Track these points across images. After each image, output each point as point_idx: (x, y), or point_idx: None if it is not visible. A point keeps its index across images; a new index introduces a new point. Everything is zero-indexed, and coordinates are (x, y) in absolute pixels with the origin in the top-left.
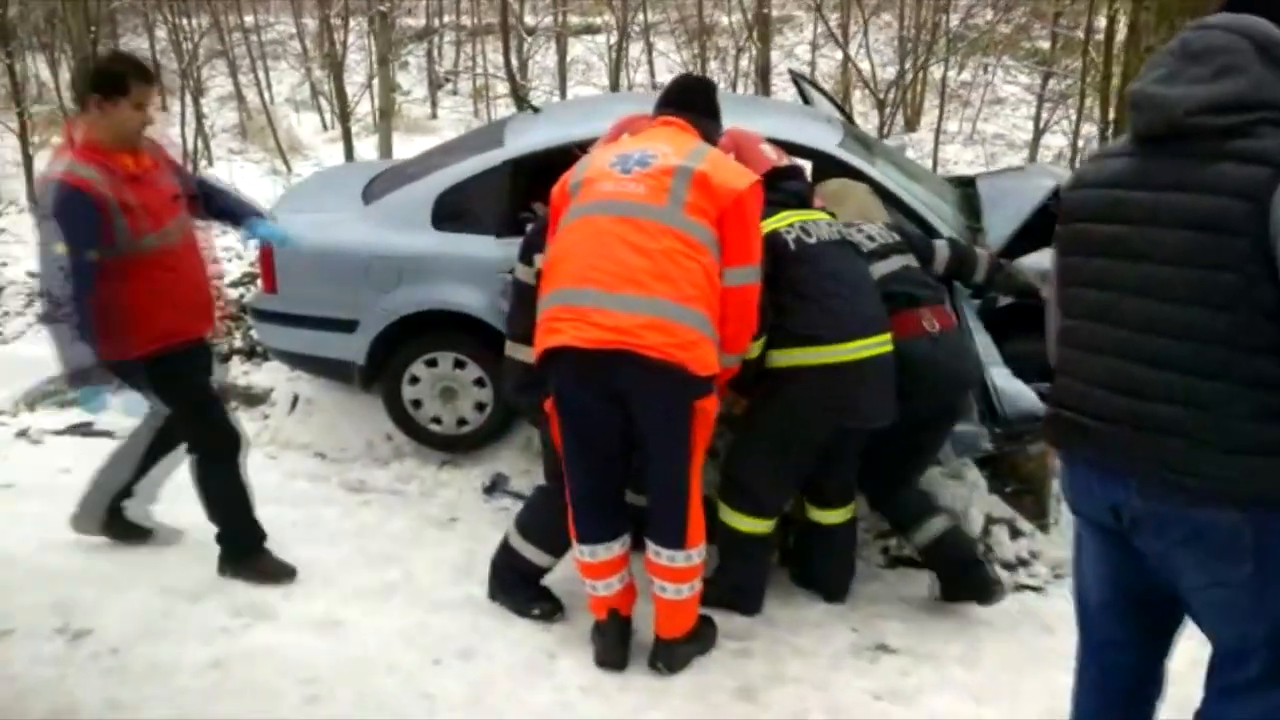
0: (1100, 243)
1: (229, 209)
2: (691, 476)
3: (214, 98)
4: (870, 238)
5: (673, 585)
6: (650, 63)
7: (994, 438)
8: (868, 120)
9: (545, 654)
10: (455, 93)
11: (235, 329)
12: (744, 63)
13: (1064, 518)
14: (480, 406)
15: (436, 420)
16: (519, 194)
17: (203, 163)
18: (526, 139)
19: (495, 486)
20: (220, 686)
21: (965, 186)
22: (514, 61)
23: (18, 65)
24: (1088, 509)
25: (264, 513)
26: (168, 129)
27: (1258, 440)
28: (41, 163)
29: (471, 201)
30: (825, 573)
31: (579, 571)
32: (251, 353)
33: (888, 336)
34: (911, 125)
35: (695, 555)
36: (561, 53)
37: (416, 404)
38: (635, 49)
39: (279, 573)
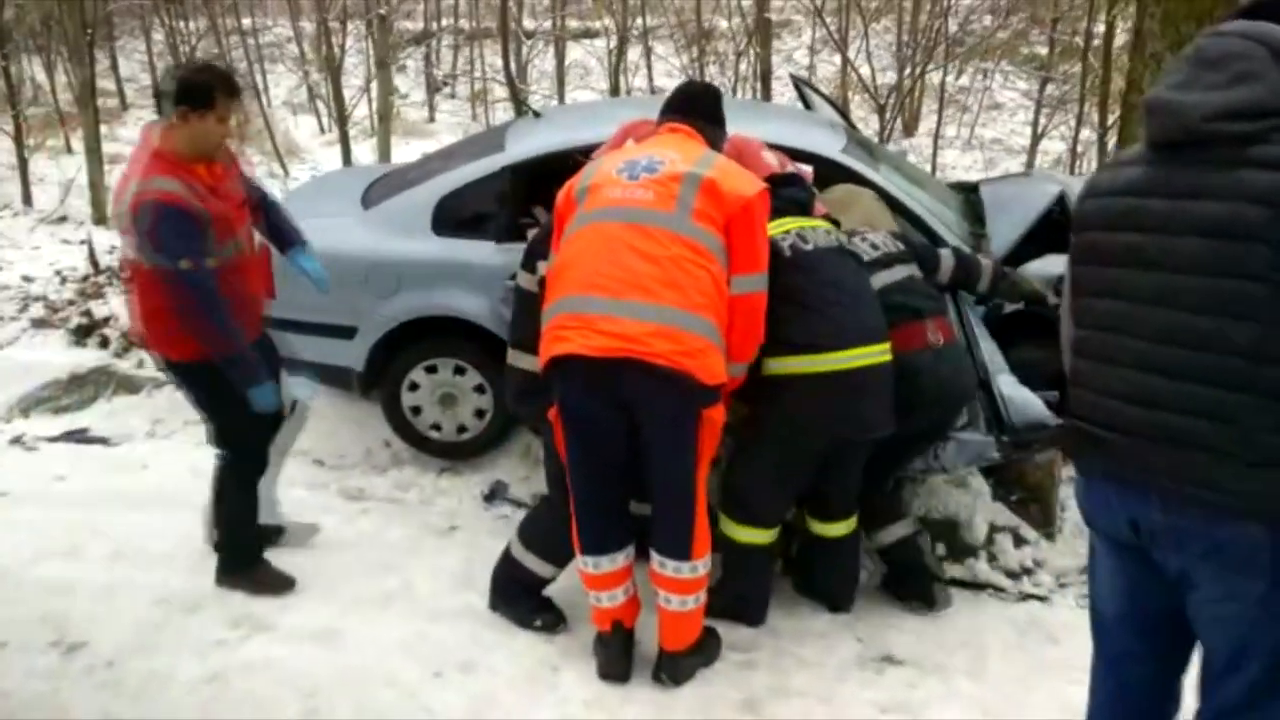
0: (1115, 252)
1: (280, 229)
2: (697, 486)
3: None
4: (874, 246)
5: (678, 597)
6: (649, 67)
7: (1001, 446)
8: (867, 125)
9: (548, 666)
10: (453, 96)
11: None
12: (743, 67)
13: (1069, 526)
14: (480, 413)
15: (436, 427)
16: (520, 199)
17: None
18: (527, 144)
19: (495, 494)
20: (217, 700)
21: (968, 192)
22: (513, 65)
23: (13, 67)
24: (1105, 522)
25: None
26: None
27: None
28: (37, 165)
29: (472, 207)
30: (828, 585)
31: (583, 583)
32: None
33: (887, 346)
34: (909, 130)
35: (700, 566)
36: (560, 56)
37: (416, 411)
38: (634, 53)
39: (277, 583)
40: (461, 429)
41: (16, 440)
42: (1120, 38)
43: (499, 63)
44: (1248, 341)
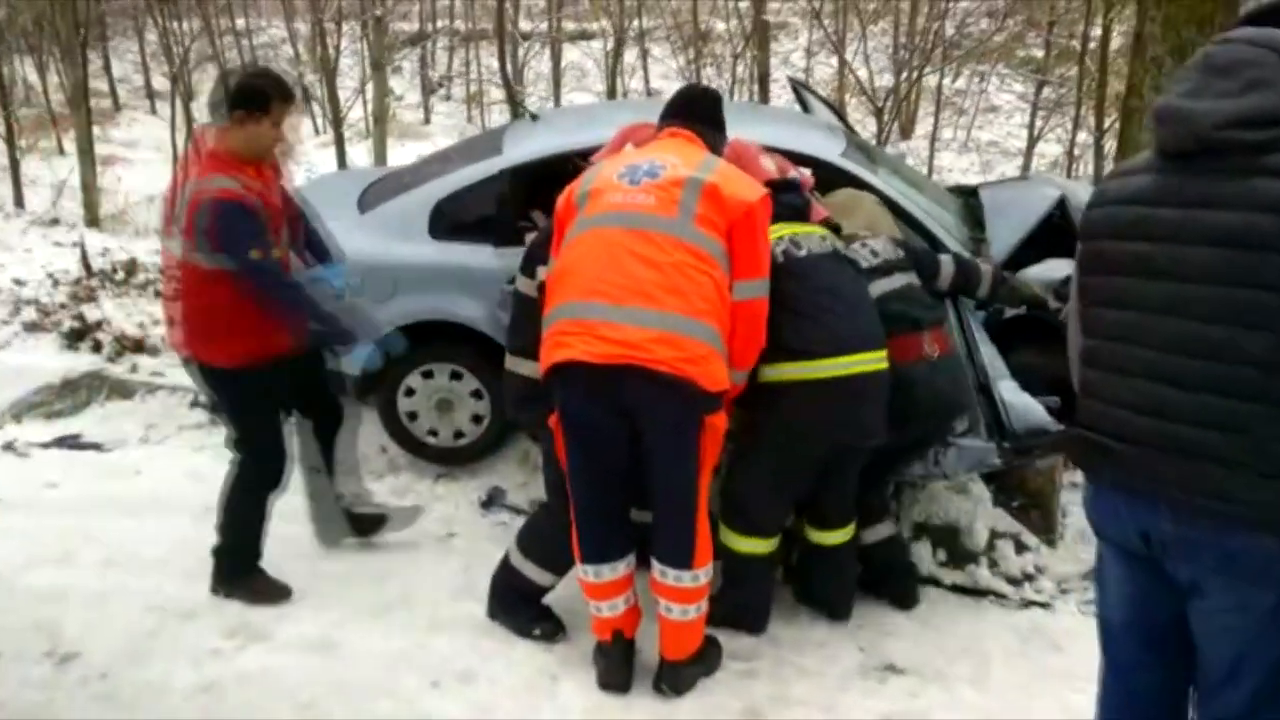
0: (1125, 261)
1: (317, 242)
2: (699, 494)
3: (204, 102)
4: (874, 253)
5: (679, 606)
6: (645, 69)
7: (1002, 452)
8: (864, 128)
9: (547, 676)
10: (449, 98)
11: None
12: (739, 69)
13: (1070, 532)
14: (477, 419)
15: (433, 433)
16: (518, 203)
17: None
18: (525, 147)
19: (492, 500)
20: (213, 710)
21: (967, 196)
22: (509, 68)
23: (5, 68)
24: (1114, 532)
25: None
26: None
27: None
28: (29, 167)
29: (469, 210)
30: (826, 593)
31: (583, 592)
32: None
33: (884, 354)
34: (906, 133)
35: (702, 575)
36: (556, 58)
37: (412, 416)
38: (630, 55)
39: (274, 593)
40: (458, 434)
41: (8, 446)
42: (1116, 41)
43: (495, 64)
44: (1261, 351)
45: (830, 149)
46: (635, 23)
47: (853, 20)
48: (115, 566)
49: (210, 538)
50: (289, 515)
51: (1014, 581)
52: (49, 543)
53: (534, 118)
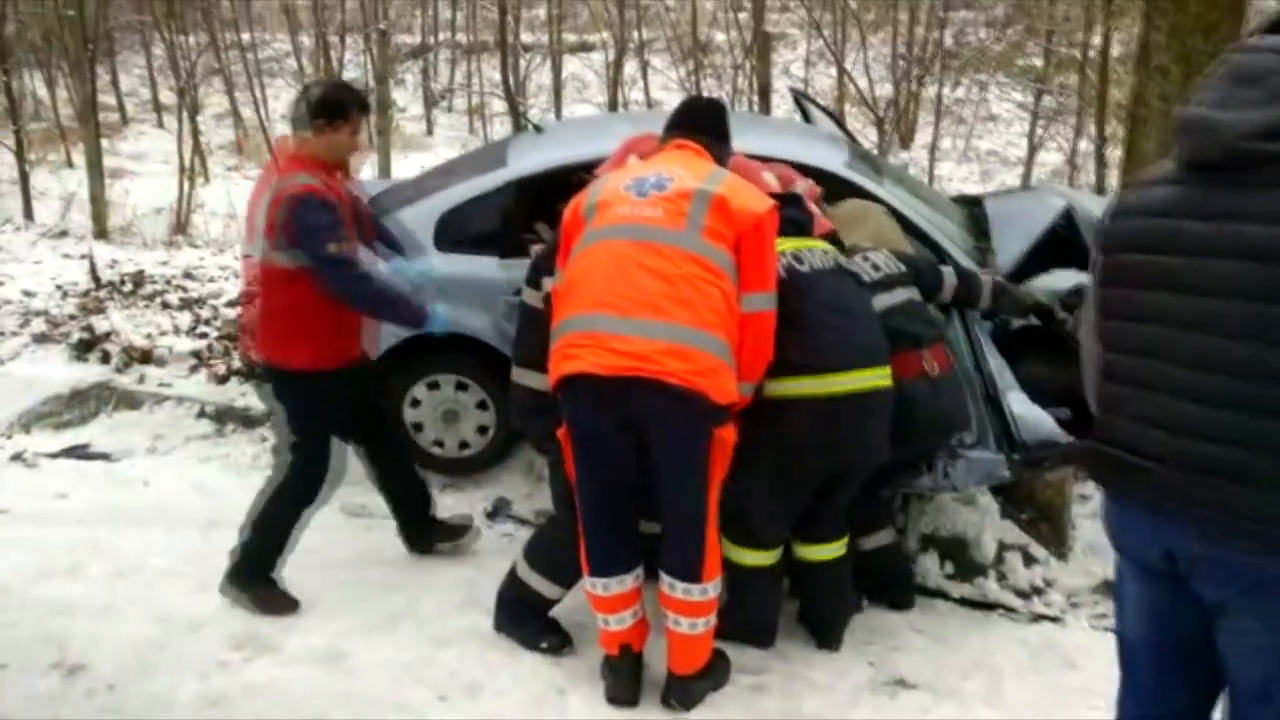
0: (1149, 275)
1: (390, 238)
2: (708, 507)
3: (210, 115)
4: (875, 267)
5: (688, 619)
6: (645, 80)
7: (1012, 465)
8: (865, 138)
9: (554, 690)
10: (451, 110)
11: (233, 350)
12: (739, 80)
13: (1080, 545)
14: (482, 430)
15: (438, 443)
16: (523, 215)
17: (200, 180)
18: (530, 159)
19: (498, 511)
20: None
21: (972, 206)
22: (511, 79)
23: (14, 82)
24: (1136, 550)
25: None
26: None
27: None
28: (38, 179)
29: (474, 222)
30: (816, 615)
31: (591, 605)
32: (250, 374)
33: (888, 370)
34: (905, 142)
35: (711, 589)
36: (557, 70)
37: (418, 427)
38: (630, 66)
39: (281, 604)
40: (464, 445)
41: (17, 457)
42: (1116, 49)
43: (496, 76)
44: None
45: (834, 160)
46: (635, 34)
47: (851, 31)
48: (123, 578)
49: (217, 548)
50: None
51: (1023, 595)
52: (58, 554)
53: (538, 130)
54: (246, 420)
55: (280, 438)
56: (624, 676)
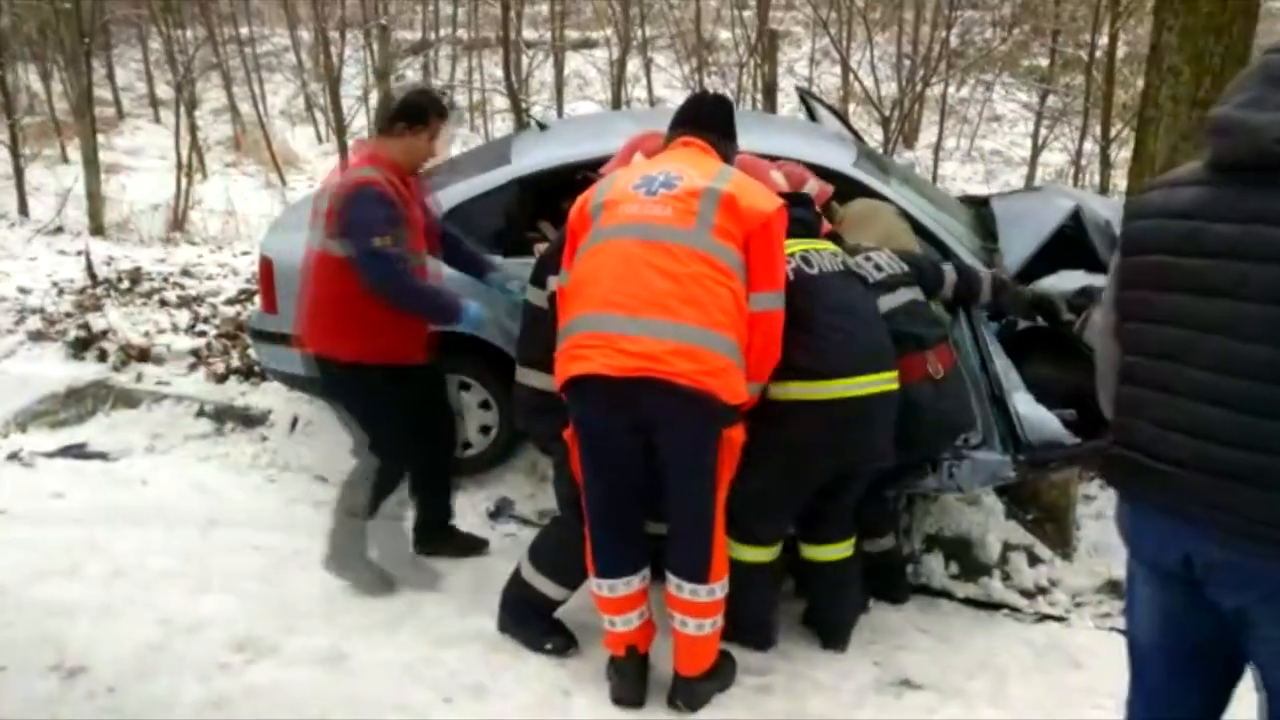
0: (1175, 276)
1: (471, 256)
2: (716, 507)
3: (208, 110)
4: (878, 267)
5: (694, 620)
6: (649, 78)
7: (1017, 466)
8: (870, 138)
9: (560, 691)
10: (452, 106)
11: (232, 348)
12: (744, 79)
13: (1084, 545)
14: (485, 429)
15: None
16: (526, 213)
17: (197, 176)
18: (534, 157)
19: (500, 511)
20: None
21: (979, 206)
22: (514, 76)
23: (9, 76)
24: (1153, 555)
25: (267, 539)
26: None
27: None
28: (33, 175)
29: (478, 220)
30: (822, 616)
31: (597, 606)
32: (249, 373)
33: (894, 374)
34: (909, 142)
35: (718, 589)
36: (559, 67)
37: None
38: (633, 64)
39: (377, 583)
40: (466, 445)
41: (13, 456)
42: (1122, 50)
43: (498, 73)
44: None
45: (842, 159)
46: (638, 31)
47: (856, 30)
48: (121, 578)
49: (216, 548)
50: (293, 525)
51: (1027, 594)
52: (55, 555)
53: (542, 127)
54: (246, 419)
55: (355, 440)
56: (630, 678)
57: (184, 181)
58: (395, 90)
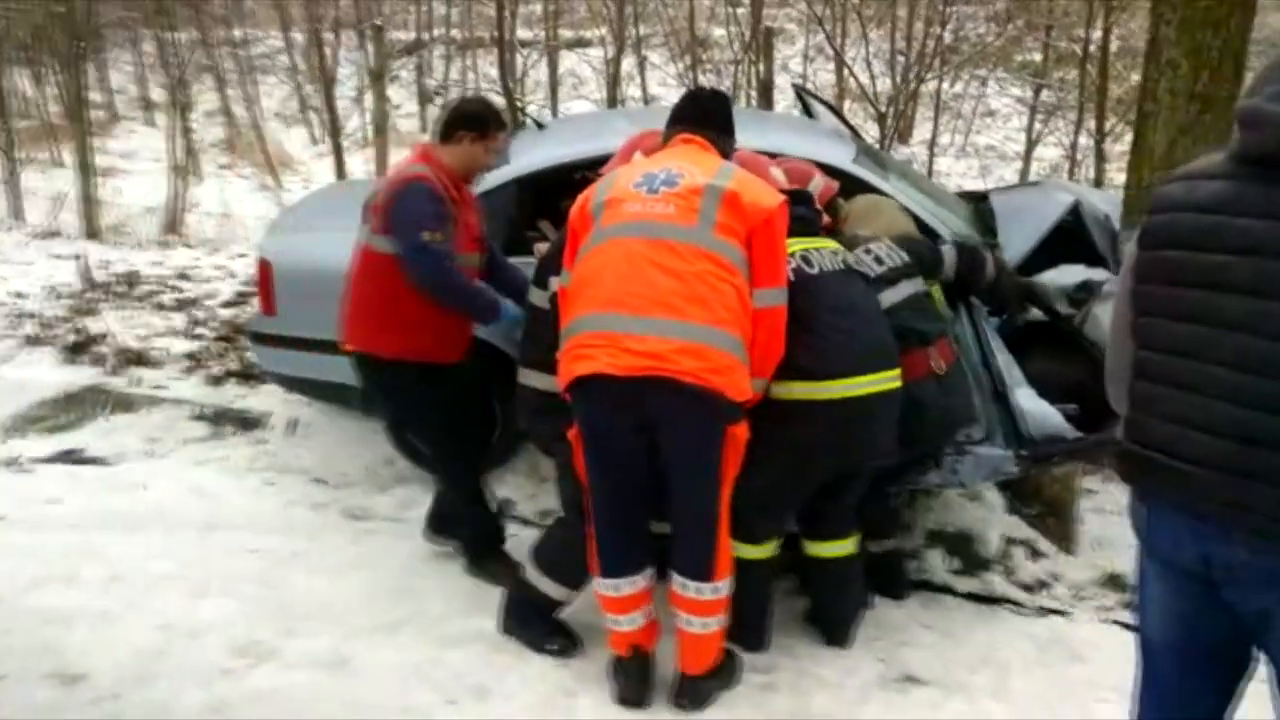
0: (1197, 272)
1: (510, 278)
2: (720, 506)
3: (201, 113)
4: (878, 260)
5: (699, 619)
6: (643, 76)
7: (1020, 461)
8: (866, 134)
9: (563, 692)
10: (445, 106)
11: (230, 351)
12: (739, 75)
13: (1085, 539)
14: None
15: None
16: (526, 213)
17: (192, 179)
18: (533, 156)
19: (501, 512)
20: None
21: (978, 201)
22: (509, 76)
23: (3, 79)
24: (1169, 554)
25: (266, 542)
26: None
27: None
28: (27, 179)
29: None
30: (825, 613)
31: (601, 606)
32: (247, 376)
33: (897, 372)
34: (903, 138)
35: (723, 587)
36: (553, 66)
37: None
38: (627, 62)
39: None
40: None
41: (10, 462)
42: (1115, 44)
43: (493, 72)
44: None
45: (841, 155)
46: (632, 30)
47: (851, 26)
48: (120, 583)
49: (216, 552)
50: (292, 528)
51: (1029, 589)
52: (53, 561)
53: (540, 126)
54: (244, 422)
55: (421, 444)
56: (634, 677)
57: (180, 184)
58: (452, 100)
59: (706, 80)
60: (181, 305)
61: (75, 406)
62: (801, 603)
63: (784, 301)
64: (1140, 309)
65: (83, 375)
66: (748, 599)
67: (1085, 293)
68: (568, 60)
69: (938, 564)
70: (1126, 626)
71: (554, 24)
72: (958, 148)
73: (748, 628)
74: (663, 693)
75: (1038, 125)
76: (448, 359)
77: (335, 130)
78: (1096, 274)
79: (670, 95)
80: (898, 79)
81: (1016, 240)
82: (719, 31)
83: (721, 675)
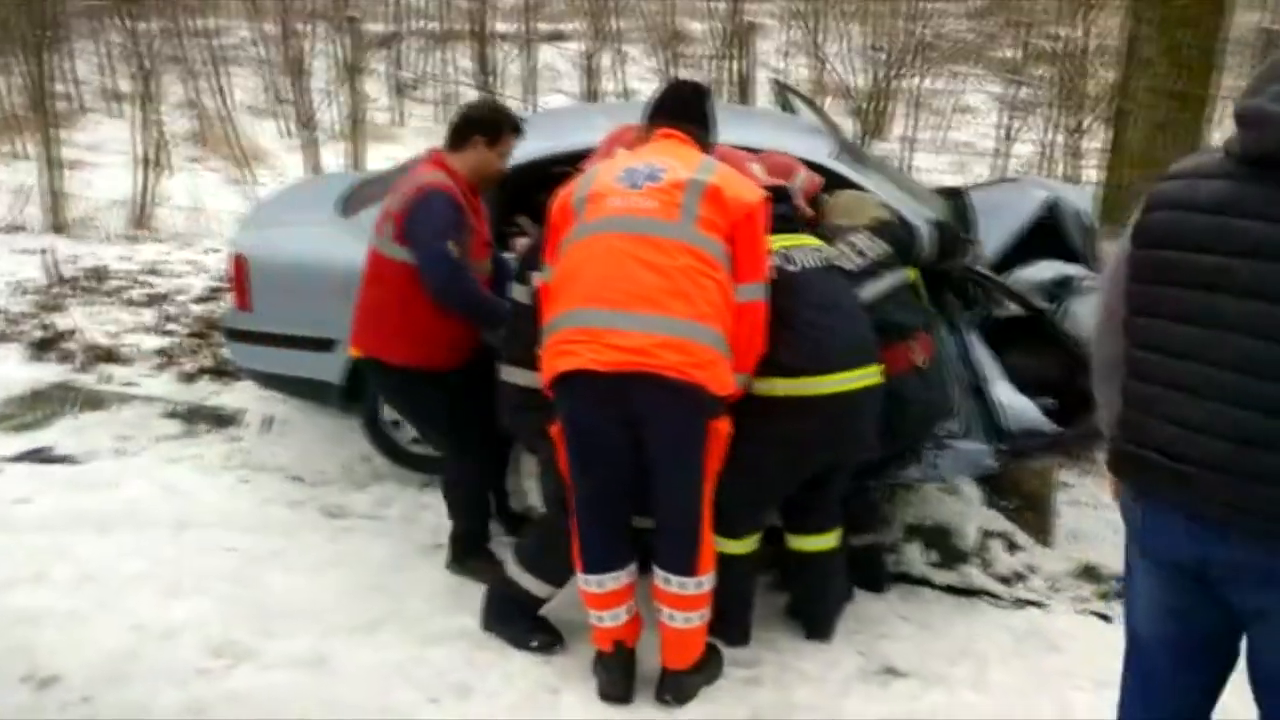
0: (1195, 273)
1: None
2: (704, 500)
3: (169, 104)
4: (860, 252)
5: (682, 613)
6: (621, 70)
7: (999, 454)
8: (845, 129)
9: (547, 689)
10: (420, 99)
11: (202, 347)
12: (716, 70)
13: (1062, 532)
14: None
15: (417, 441)
16: (504, 207)
17: (162, 172)
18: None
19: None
20: None
21: (955, 198)
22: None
23: None
24: (1167, 553)
25: (241, 541)
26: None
27: None
28: None
29: None
30: (807, 606)
31: (584, 602)
32: (220, 372)
33: (879, 367)
34: (879, 133)
35: (705, 582)
36: (530, 59)
37: (396, 425)
38: (605, 56)
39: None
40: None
41: None
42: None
43: (468, 65)
44: None
45: (820, 151)
46: (610, 23)
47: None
48: (92, 584)
49: (189, 551)
50: (268, 526)
51: (1006, 581)
52: (22, 561)
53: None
54: (218, 419)
55: (439, 445)
56: (617, 673)
57: (148, 177)
58: (464, 104)
59: (685, 75)
60: (152, 300)
61: (43, 404)
62: (782, 597)
63: (765, 296)
64: (1135, 308)
65: (50, 372)
66: (730, 594)
67: (1062, 288)
68: (545, 54)
69: (916, 557)
70: (1102, 617)
71: (532, 17)
72: (934, 143)
73: (730, 622)
74: (646, 688)
75: (1014, 122)
76: (456, 364)
77: (308, 123)
78: (1073, 270)
79: (648, 90)
80: (876, 75)
81: (994, 236)
82: (697, 26)
83: (705, 670)
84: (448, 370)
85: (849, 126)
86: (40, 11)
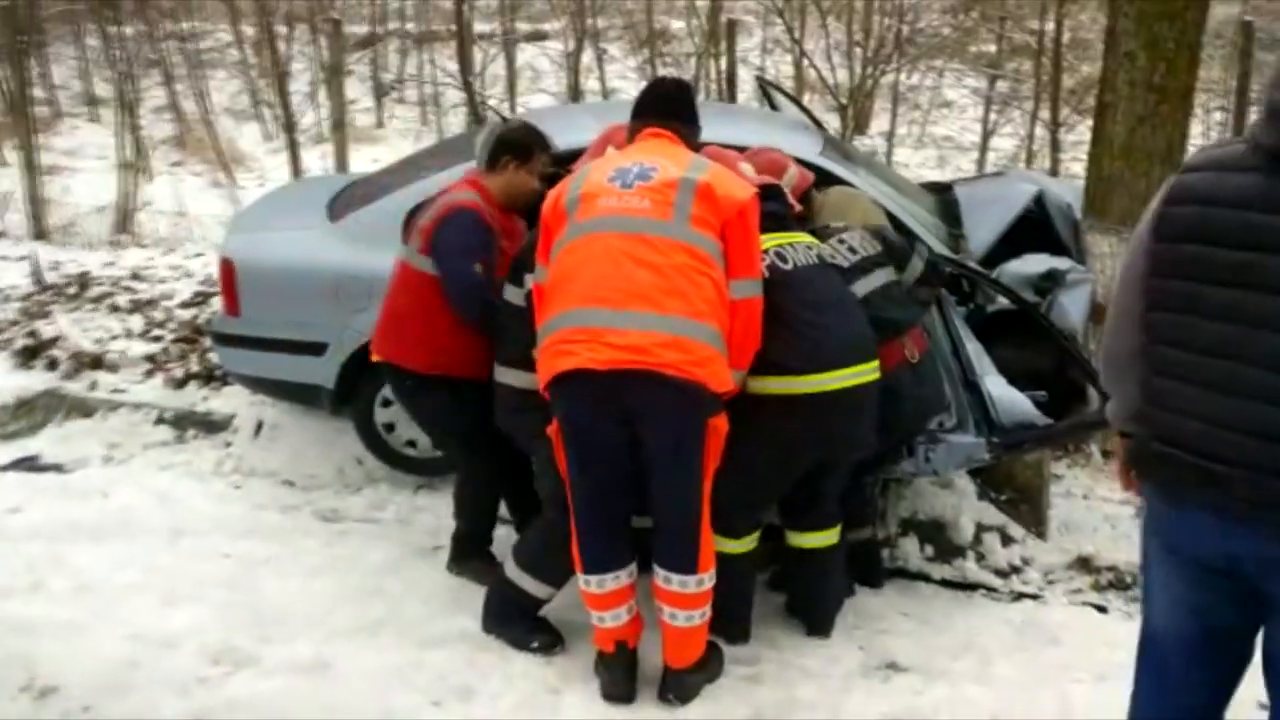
0: (1222, 269)
1: None
2: (702, 498)
3: (149, 108)
4: (852, 250)
5: (683, 612)
6: (601, 69)
7: (991, 448)
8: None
9: (548, 690)
10: (401, 101)
11: (190, 353)
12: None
13: (1056, 524)
14: None
15: (411, 444)
16: None
17: (143, 176)
18: None
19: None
20: None
21: (942, 192)
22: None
23: None
24: (1191, 549)
25: (236, 547)
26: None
27: None
28: None
29: None
30: (806, 603)
31: (585, 603)
32: (209, 378)
33: (874, 365)
34: (860, 129)
35: (706, 580)
36: (510, 59)
37: (389, 427)
38: (586, 55)
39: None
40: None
41: None
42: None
43: (451, 66)
44: None
45: (808, 148)
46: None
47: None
48: (88, 593)
49: (184, 559)
50: (263, 532)
51: (1002, 574)
52: (15, 571)
53: (505, 120)
54: (208, 425)
55: (450, 451)
56: (619, 673)
57: (129, 182)
58: (495, 126)
59: (666, 73)
60: (137, 306)
61: (30, 413)
62: (781, 595)
63: (759, 293)
64: (1155, 303)
65: (36, 380)
66: (730, 592)
67: (1050, 281)
68: (526, 53)
69: (912, 552)
70: (1098, 609)
71: (512, 17)
72: (915, 138)
73: (730, 620)
74: (648, 687)
75: (993, 116)
76: (476, 375)
77: (290, 126)
78: (1060, 263)
79: (630, 89)
80: (860, 70)
81: (981, 230)
82: (677, 24)
83: (707, 668)
84: (465, 380)
85: (831, 122)
86: (18, 15)
